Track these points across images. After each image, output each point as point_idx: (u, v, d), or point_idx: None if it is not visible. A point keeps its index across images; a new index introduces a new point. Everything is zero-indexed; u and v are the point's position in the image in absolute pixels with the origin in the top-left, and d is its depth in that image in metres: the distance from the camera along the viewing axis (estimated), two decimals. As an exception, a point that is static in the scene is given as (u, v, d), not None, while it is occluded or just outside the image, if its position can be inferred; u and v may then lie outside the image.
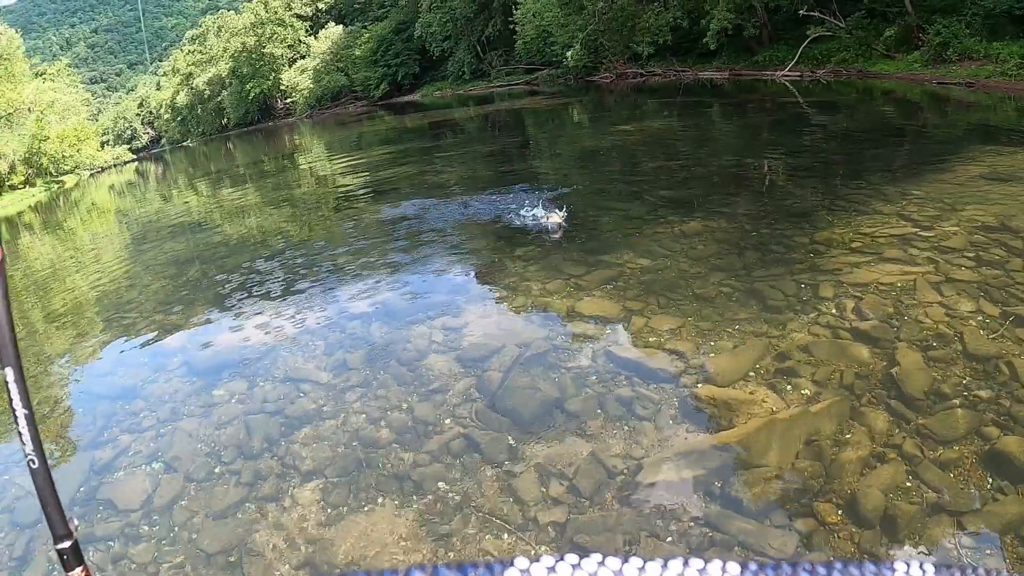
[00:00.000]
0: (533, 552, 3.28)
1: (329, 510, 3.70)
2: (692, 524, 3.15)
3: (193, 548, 3.62)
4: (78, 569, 0.76)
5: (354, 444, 4.24)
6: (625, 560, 0.34)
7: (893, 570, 0.37)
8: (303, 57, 58.72)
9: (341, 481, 3.91)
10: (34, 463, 0.54)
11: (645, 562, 0.34)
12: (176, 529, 3.78)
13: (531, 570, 0.33)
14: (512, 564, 0.33)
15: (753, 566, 0.36)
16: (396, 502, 3.67)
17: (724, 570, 0.35)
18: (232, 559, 3.54)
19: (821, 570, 0.36)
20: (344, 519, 3.61)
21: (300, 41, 60.10)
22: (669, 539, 3.09)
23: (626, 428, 3.90)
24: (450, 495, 3.66)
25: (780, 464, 3.38)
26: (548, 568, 0.33)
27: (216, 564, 3.55)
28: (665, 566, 0.34)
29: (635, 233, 7.02)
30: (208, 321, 6.99)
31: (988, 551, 2.73)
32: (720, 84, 18.88)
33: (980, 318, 4.21)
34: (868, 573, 0.36)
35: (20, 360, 0.61)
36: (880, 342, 4.19)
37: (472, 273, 6.87)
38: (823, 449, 3.42)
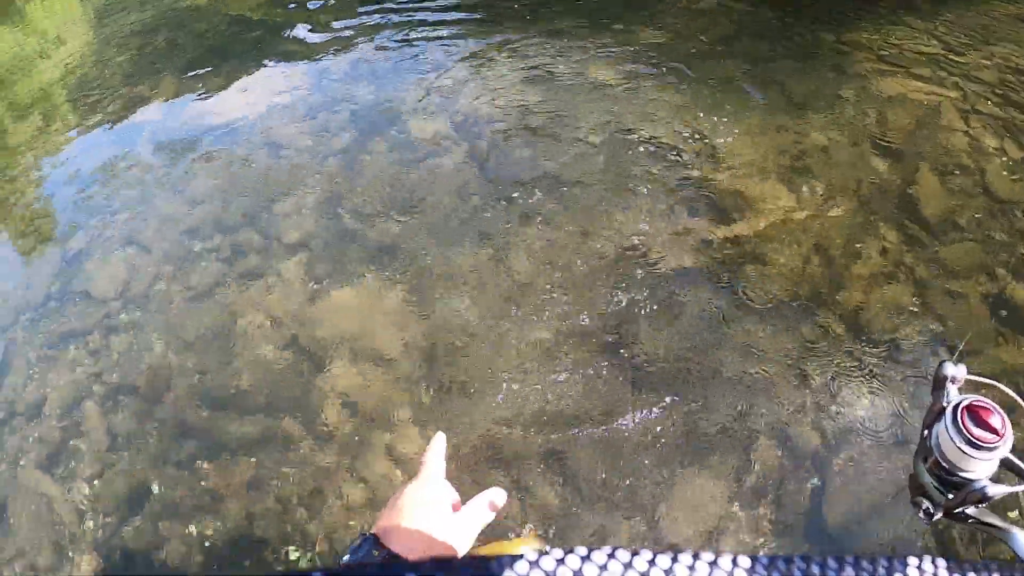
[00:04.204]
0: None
1: (313, 284, 3.51)
2: (699, 317, 3.03)
3: (174, 335, 3.42)
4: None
5: (338, 213, 3.90)
6: (635, 553, 0.33)
7: (906, 564, 0.35)
8: None
9: (326, 254, 3.66)
10: None
11: (655, 555, 0.34)
12: (155, 316, 3.55)
13: (540, 562, 0.32)
14: (521, 556, 0.32)
15: (764, 560, 0.34)
16: (384, 276, 3.48)
17: (735, 563, 0.33)
18: (214, 343, 3.35)
19: (832, 564, 0.34)
20: (329, 295, 3.43)
21: None
22: (670, 335, 2.97)
23: (630, 208, 3.65)
24: (436, 270, 3.46)
25: (790, 266, 3.24)
26: (557, 560, 0.33)
27: (197, 349, 3.35)
28: (675, 559, 0.34)
29: (645, 5, 6.27)
30: (179, 92, 6.00)
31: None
32: None
33: (1004, 158, 4.00)
34: (881, 568, 0.35)
35: None
36: (902, 158, 3.95)
37: (470, 31, 5.98)
38: (834, 258, 3.29)
